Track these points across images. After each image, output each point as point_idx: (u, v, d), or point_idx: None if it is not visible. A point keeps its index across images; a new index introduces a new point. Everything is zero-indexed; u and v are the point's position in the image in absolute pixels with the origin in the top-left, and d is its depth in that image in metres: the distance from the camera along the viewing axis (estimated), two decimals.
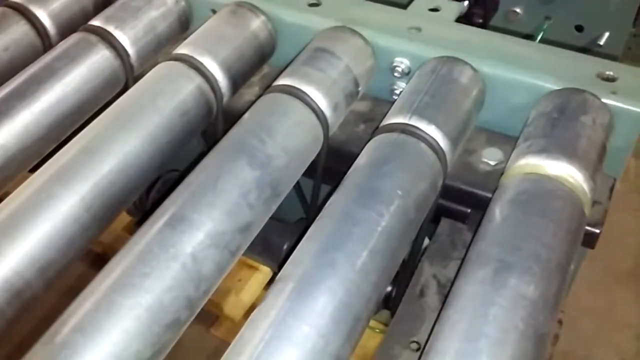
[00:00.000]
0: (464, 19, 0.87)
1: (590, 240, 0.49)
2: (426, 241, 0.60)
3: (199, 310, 0.44)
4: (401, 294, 0.56)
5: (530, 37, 0.89)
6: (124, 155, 0.51)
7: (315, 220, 0.46)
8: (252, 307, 1.68)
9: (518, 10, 0.89)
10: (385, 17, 0.63)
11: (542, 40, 0.87)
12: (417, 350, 0.49)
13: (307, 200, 0.70)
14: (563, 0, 0.87)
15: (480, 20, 0.89)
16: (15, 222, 0.46)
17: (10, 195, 0.48)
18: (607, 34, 0.85)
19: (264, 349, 0.38)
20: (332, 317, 0.39)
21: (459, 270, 0.44)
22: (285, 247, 0.68)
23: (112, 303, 0.40)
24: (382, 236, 0.44)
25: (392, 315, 0.58)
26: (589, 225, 0.49)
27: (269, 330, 0.39)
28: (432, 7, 0.66)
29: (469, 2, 0.87)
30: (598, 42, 0.85)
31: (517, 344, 0.37)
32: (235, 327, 1.66)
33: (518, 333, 0.38)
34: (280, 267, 0.70)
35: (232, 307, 1.62)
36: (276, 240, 0.68)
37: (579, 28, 0.87)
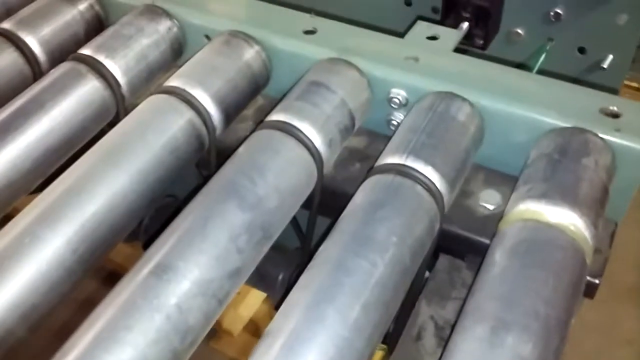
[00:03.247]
0: (465, 39, 0.86)
1: (590, 291, 0.48)
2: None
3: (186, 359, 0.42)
4: (399, 330, 0.55)
5: (532, 57, 0.87)
6: (112, 194, 0.49)
7: (307, 269, 0.44)
8: (250, 321, 1.67)
9: (520, 31, 0.87)
10: (381, 46, 0.62)
11: (544, 62, 0.85)
12: None
13: (302, 229, 0.69)
14: (566, 21, 0.85)
15: (482, 42, 0.87)
16: None
17: None
18: (610, 57, 0.83)
19: None
20: None
21: (455, 323, 0.42)
22: (280, 277, 0.67)
23: (95, 359, 0.38)
24: (376, 288, 0.42)
25: (390, 351, 0.56)
26: (589, 275, 0.47)
27: None
28: (430, 35, 0.64)
29: (470, 23, 0.85)
30: (602, 65, 0.83)
31: None
32: (234, 340, 1.65)
33: None
34: (275, 296, 0.69)
35: (231, 321, 1.61)
36: (271, 270, 0.67)
37: (582, 50, 0.85)
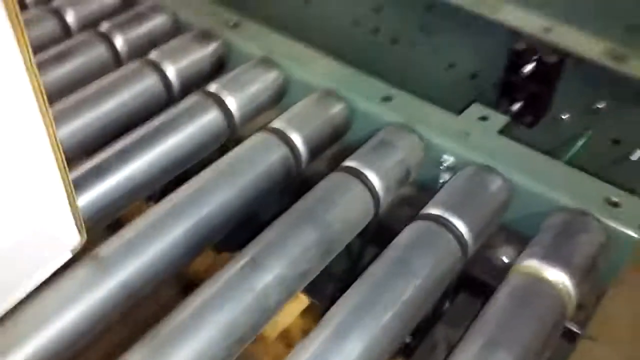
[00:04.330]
0: (514, 118, 1.00)
1: (572, 338, 0.62)
2: None
3: (259, 332, 0.58)
4: (418, 344, 0.70)
5: (570, 142, 1.00)
6: (219, 204, 0.66)
7: (356, 282, 0.60)
8: (286, 330, 1.80)
9: (564, 117, 1.01)
10: (441, 119, 0.78)
11: (581, 147, 0.99)
12: None
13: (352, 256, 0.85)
14: (606, 113, 0.98)
15: (530, 121, 1.02)
16: (135, 241, 0.62)
17: (133, 222, 0.64)
18: (639, 151, 0.96)
19: None
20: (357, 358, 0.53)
21: (460, 338, 0.57)
22: (329, 291, 0.84)
23: (199, 317, 0.55)
24: (404, 304, 0.57)
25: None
26: (574, 324, 0.62)
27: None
28: (481, 115, 0.79)
29: (522, 104, 1.00)
30: (630, 157, 0.96)
31: None
32: (268, 345, 1.79)
33: None
34: (322, 304, 0.85)
35: (269, 327, 1.75)
36: (323, 285, 0.84)
37: (616, 141, 0.98)
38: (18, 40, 0.44)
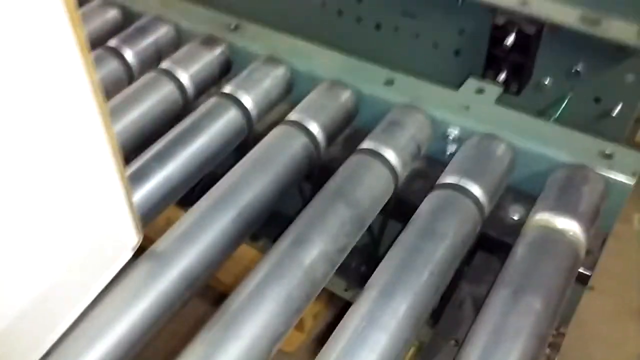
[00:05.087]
0: (503, 85, 1.07)
1: (584, 280, 0.70)
2: None
3: (311, 302, 0.65)
4: (445, 304, 0.76)
5: (555, 103, 1.08)
6: (256, 192, 0.72)
7: (391, 249, 0.66)
8: None
9: (546, 82, 1.08)
10: (442, 96, 0.84)
11: (565, 107, 1.06)
12: (455, 345, 0.69)
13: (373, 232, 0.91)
14: (585, 76, 1.06)
15: (516, 89, 1.09)
16: (188, 235, 0.67)
17: (182, 218, 0.69)
18: (620, 106, 1.04)
19: (358, 336, 0.58)
20: (404, 313, 0.60)
21: (489, 289, 0.64)
22: (353, 265, 0.90)
23: (260, 294, 0.61)
24: (437, 264, 0.64)
25: (436, 322, 0.78)
26: (583, 268, 0.69)
27: (362, 321, 0.59)
28: (477, 88, 0.86)
29: (506, 74, 1.07)
30: (611, 114, 1.04)
31: (525, 340, 0.57)
32: None
33: (527, 332, 0.58)
34: (348, 278, 0.92)
35: None
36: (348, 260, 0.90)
37: (597, 99, 1.06)
38: (80, 47, 0.49)
